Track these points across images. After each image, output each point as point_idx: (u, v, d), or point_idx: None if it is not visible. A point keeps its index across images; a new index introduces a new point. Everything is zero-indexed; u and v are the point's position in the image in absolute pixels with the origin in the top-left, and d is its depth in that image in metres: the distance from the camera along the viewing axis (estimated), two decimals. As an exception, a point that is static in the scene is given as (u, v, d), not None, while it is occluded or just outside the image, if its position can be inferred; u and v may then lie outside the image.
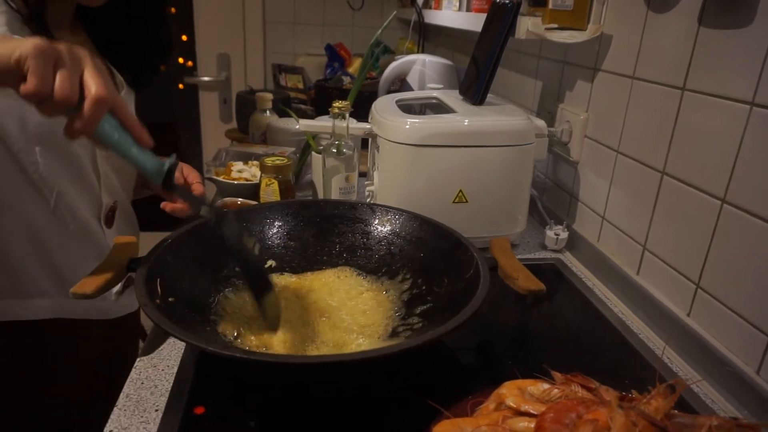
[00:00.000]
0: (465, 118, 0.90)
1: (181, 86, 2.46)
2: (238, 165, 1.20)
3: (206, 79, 2.37)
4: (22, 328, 0.81)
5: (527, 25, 0.91)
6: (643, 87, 0.79)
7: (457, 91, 1.08)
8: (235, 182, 1.13)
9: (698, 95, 0.68)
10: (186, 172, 0.86)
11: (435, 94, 1.09)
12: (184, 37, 2.41)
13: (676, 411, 0.46)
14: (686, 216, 0.71)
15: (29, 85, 0.47)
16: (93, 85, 0.49)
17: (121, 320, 0.95)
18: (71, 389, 0.88)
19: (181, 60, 2.46)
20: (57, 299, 0.83)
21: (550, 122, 1.04)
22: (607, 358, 0.72)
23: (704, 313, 0.68)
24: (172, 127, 2.56)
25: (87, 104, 0.49)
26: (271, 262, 0.78)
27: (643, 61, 0.79)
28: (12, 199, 0.76)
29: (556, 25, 0.91)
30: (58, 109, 0.50)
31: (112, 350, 0.95)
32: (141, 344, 0.96)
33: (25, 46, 0.48)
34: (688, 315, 0.71)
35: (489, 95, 0.98)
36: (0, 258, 0.78)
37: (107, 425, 0.55)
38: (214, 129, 2.41)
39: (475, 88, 0.97)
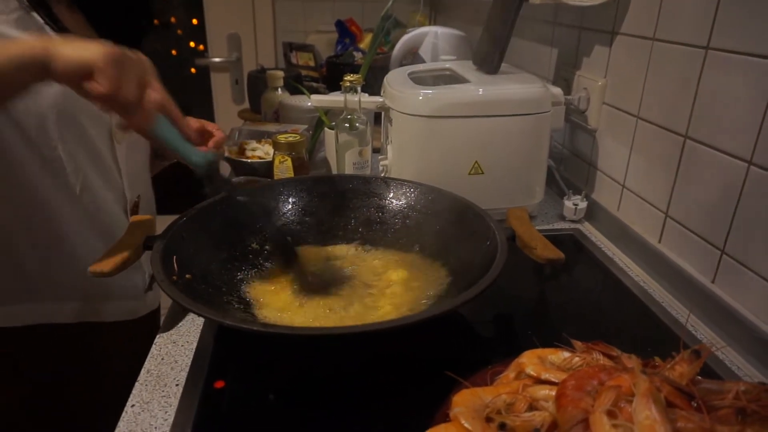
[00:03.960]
0: (479, 88, 0.88)
1: (193, 70, 2.46)
2: (251, 144, 1.20)
3: (217, 60, 2.36)
4: (48, 331, 0.81)
5: (542, -12, 0.88)
6: (663, 48, 0.77)
7: (471, 61, 1.05)
8: (249, 161, 1.13)
9: (723, 54, 0.66)
10: (204, 122, 0.86)
11: (448, 65, 1.07)
12: (194, 21, 2.40)
13: (700, 377, 0.45)
14: (710, 180, 0.69)
15: (102, 88, 0.52)
16: (154, 91, 0.56)
17: (145, 318, 0.94)
18: (96, 391, 0.87)
19: (192, 44, 2.45)
20: (85, 303, 0.83)
21: (567, 90, 1.01)
22: (629, 327, 0.71)
23: (730, 279, 0.67)
24: (186, 111, 2.54)
25: (146, 107, 0.56)
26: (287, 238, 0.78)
27: (664, 22, 0.76)
28: (38, 198, 0.75)
29: (571, -12, 0.88)
30: (121, 110, 0.55)
31: (136, 350, 0.95)
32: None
33: (96, 50, 0.53)
34: (713, 281, 0.69)
35: (503, 65, 0.96)
36: (27, 260, 0.78)
37: (129, 400, 0.56)
38: (227, 110, 2.41)
39: (489, 57, 0.95)
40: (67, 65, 0.53)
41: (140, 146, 0.89)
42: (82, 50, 0.53)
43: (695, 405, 0.40)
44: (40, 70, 0.54)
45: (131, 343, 0.92)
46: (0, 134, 0.69)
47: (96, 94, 0.53)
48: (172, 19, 2.44)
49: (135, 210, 0.89)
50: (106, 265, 0.61)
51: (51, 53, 0.53)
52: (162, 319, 1.02)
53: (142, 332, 0.94)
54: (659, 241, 0.80)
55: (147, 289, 0.93)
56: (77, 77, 0.53)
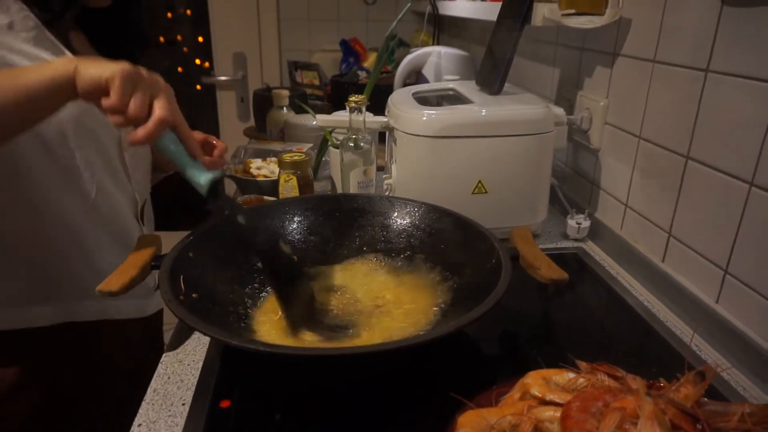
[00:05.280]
0: (482, 108, 0.89)
1: (198, 87, 2.49)
2: (256, 162, 1.21)
3: (223, 78, 2.39)
4: (70, 330, 0.83)
5: (543, 11, 0.89)
6: (664, 70, 0.78)
7: (474, 81, 1.07)
8: (255, 179, 1.14)
9: (722, 76, 0.67)
10: (207, 136, 0.87)
11: (451, 85, 1.09)
12: (200, 39, 2.43)
13: (706, 399, 0.45)
14: (713, 200, 0.69)
15: (111, 101, 0.58)
16: (159, 107, 0.60)
17: (152, 317, 0.96)
18: (103, 387, 0.89)
19: (198, 61, 2.48)
20: (103, 301, 0.85)
21: (569, 110, 1.02)
22: (633, 347, 0.71)
23: (733, 299, 0.67)
24: (192, 128, 2.58)
25: (151, 122, 0.60)
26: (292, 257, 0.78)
27: (664, 44, 0.78)
28: (52, 198, 0.77)
29: (573, 11, 0.89)
30: (127, 123, 0.60)
31: (144, 349, 0.96)
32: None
33: (114, 68, 0.58)
34: (717, 302, 0.69)
35: (506, 85, 0.97)
36: (48, 263, 0.80)
37: (136, 419, 0.56)
38: (232, 128, 2.43)
39: (492, 77, 0.96)
40: (88, 83, 0.59)
41: (143, 153, 0.93)
42: (103, 69, 0.58)
43: (700, 427, 0.40)
44: (70, 89, 0.60)
45: (139, 342, 0.95)
46: (21, 145, 0.71)
47: (104, 107, 0.59)
48: (179, 37, 2.48)
49: (142, 215, 0.93)
50: (114, 284, 0.62)
51: (78, 72, 0.59)
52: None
53: (148, 331, 0.98)
54: (663, 261, 0.80)
55: (156, 288, 0.94)
56: (97, 93, 0.59)
